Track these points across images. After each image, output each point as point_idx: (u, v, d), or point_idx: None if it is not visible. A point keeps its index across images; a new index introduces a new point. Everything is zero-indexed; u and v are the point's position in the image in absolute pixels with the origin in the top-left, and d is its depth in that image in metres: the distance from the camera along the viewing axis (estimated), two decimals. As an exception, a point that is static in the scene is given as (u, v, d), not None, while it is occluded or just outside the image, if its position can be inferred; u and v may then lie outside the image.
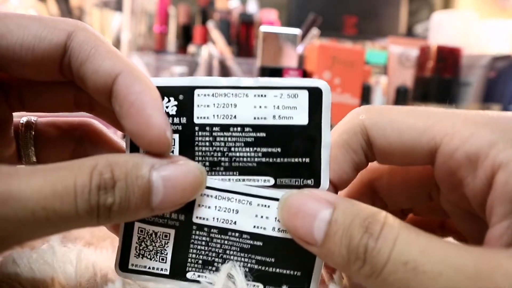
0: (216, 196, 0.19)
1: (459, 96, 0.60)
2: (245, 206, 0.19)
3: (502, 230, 0.15)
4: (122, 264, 0.19)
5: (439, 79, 0.57)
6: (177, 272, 0.19)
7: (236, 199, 0.19)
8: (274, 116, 0.18)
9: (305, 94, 0.18)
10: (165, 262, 0.19)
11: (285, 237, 0.18)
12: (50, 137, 0.22)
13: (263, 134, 0.18)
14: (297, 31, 0.52)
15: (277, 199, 0.18)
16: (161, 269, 0.19)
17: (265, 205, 0.19)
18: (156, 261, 0.19)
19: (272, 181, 0.19)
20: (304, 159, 0.18)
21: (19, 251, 0.22)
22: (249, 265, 0.19)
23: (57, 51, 0.17)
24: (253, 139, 0.18)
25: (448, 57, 0.57)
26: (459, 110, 0.17)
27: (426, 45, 0.61)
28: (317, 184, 0.19)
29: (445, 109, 0.17)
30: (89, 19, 1.10)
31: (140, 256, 0.19)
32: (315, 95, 0.18)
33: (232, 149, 0.19)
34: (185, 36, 1.13)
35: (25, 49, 0.17)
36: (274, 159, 0.19)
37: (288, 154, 0.18)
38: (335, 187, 0.19)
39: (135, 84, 0.17)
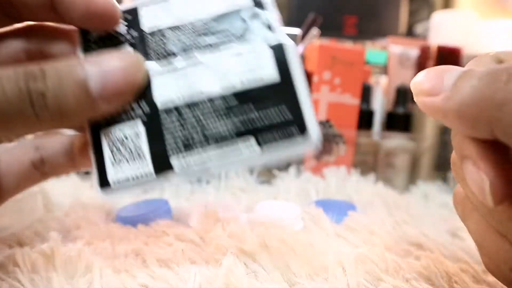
0: (172, 77, 0.18)
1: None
2: (203, 70, 0.18)
3: None
4: (102, 182, 0.18)
5: (439, 79, 0.57)
6: (160, 162, 0.18)
7: (192, 71, 0.18)
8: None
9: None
10: (145, 160, 0.18)
11: (257, 86, 0.17)
12: None
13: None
14: (297, 31, 0.52)
15: (233, 54, 0.18)
16: (144, 169, 0.18)
17: (223, 64, 0.18)
18: (134, 160, 0.18)
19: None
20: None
21: (19, 250, 0.22)
22: (235, 130, 0.17)
23: None
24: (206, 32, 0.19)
25: (448, 57, 0.57)
26: None
27: (426, 45, 0.61)
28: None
29: None
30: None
31: (118, 165, 0.18)
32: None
33: (185, 42, 0.19)
34: (185, 36, 1.13)
35: None
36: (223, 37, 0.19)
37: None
38: None
39: None
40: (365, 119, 0.55)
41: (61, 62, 0.16)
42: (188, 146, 0.18)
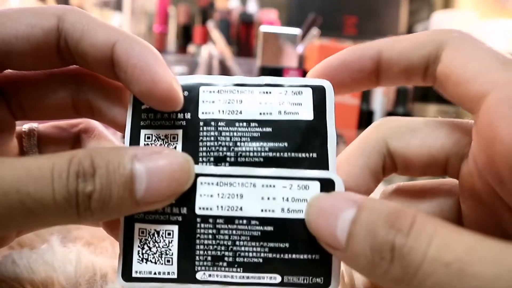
0: (217, 183, 0.18)
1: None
2: (249, 189, 0.18)
3: None
4: (125, 273, 0.18)
5: (439, 79, 0.57)
6: (186, 273, 0.18)
7: (238, 183, 0.18)
8: (279, 112, 0.19)
9: (309, 92, 0.19)
10: (171, 264, 0.18)
11: (296, 217, 0.18)
12: (50, 137, 0.22)
13: (269, 129, 0.18)
14: (297, 31, 0.52)
15: (281, 178, 0.18)
16: (168, 273, 0.18)
17: (270, 185, 0.18)
18: (162, 264, 0.18)
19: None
20: (311, 155, 0.18)
21: (18, 251, 0.22)
22: (262, 254, 0.18)
23: (50, 35, 0.17)
24: (259, 134, 0.18)
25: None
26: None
27: (426, 45, 0.61)
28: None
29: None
30: (89, 19, 1.10)
31: (144, 260, 0.18)
32: (318, 93, 0.19)
33: (238, 144, 0.18)
34: (185, 36, 1.13)
35: (20, 39, 0.17)
36: (281, 154, 0.18)
37: (294, 149, 0.18)
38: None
39: (134, 47, 0.17)
40: (365, 119, 0.55)
41: (112, 154, 0.16)
42: (216, 263, 0.18)
